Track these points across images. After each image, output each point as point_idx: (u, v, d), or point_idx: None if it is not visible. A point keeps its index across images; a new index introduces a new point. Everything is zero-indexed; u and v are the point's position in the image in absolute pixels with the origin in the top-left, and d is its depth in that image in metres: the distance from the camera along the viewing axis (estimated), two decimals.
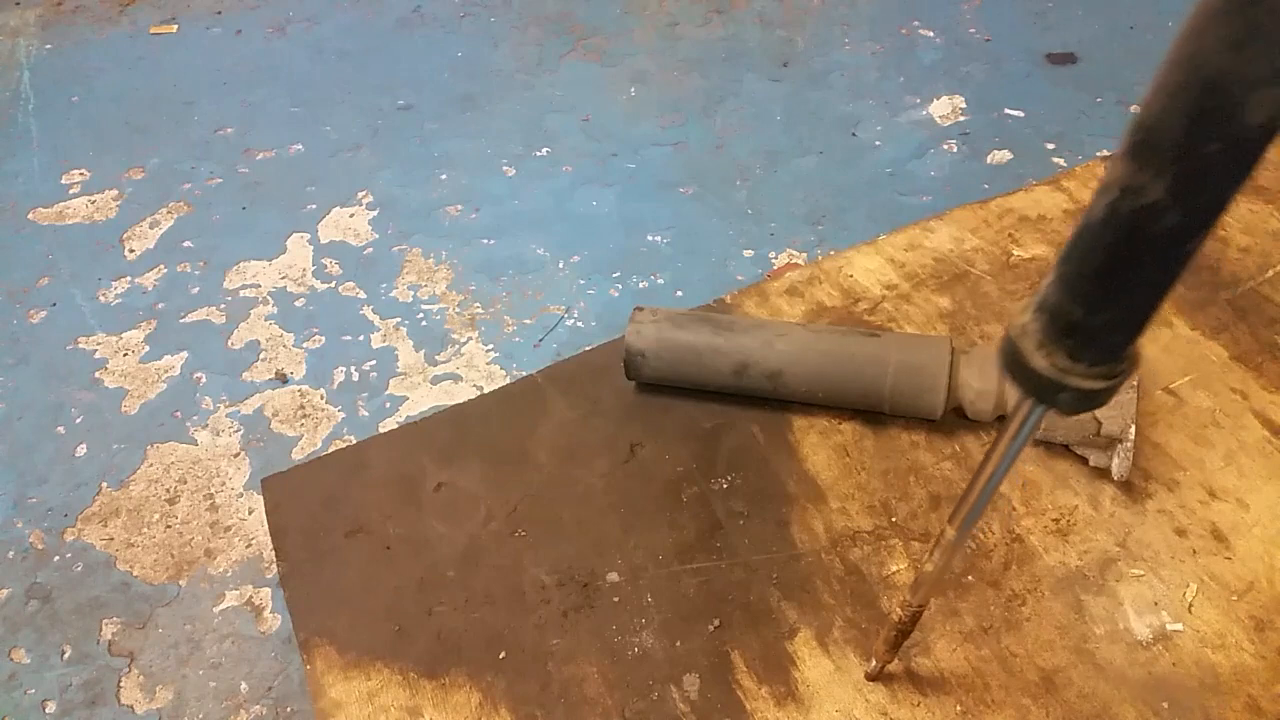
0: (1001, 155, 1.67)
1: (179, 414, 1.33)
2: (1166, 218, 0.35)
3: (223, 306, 1.48)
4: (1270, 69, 0.31)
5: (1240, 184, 0.35)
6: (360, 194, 1.68)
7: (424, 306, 1.47)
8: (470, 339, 1.41)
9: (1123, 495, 0.80)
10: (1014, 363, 0.43)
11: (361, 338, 1.42)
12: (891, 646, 0.66)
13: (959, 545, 0.56)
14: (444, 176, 1.71)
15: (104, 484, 1.24)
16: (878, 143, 1.73)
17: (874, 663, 0.70)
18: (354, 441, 1.06)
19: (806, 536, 0.80)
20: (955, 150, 1.69)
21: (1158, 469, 0.82)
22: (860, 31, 2.00)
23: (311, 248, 1.58)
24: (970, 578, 0.76)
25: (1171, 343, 0.92)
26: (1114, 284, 0.38)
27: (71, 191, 1.71)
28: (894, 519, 0.80)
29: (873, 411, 0.86)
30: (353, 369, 1.38)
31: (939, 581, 0.59)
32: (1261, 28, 0.30)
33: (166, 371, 1.39)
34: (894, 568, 0.77)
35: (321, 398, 1.34)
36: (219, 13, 2.17)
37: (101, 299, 1.50)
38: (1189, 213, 0.35)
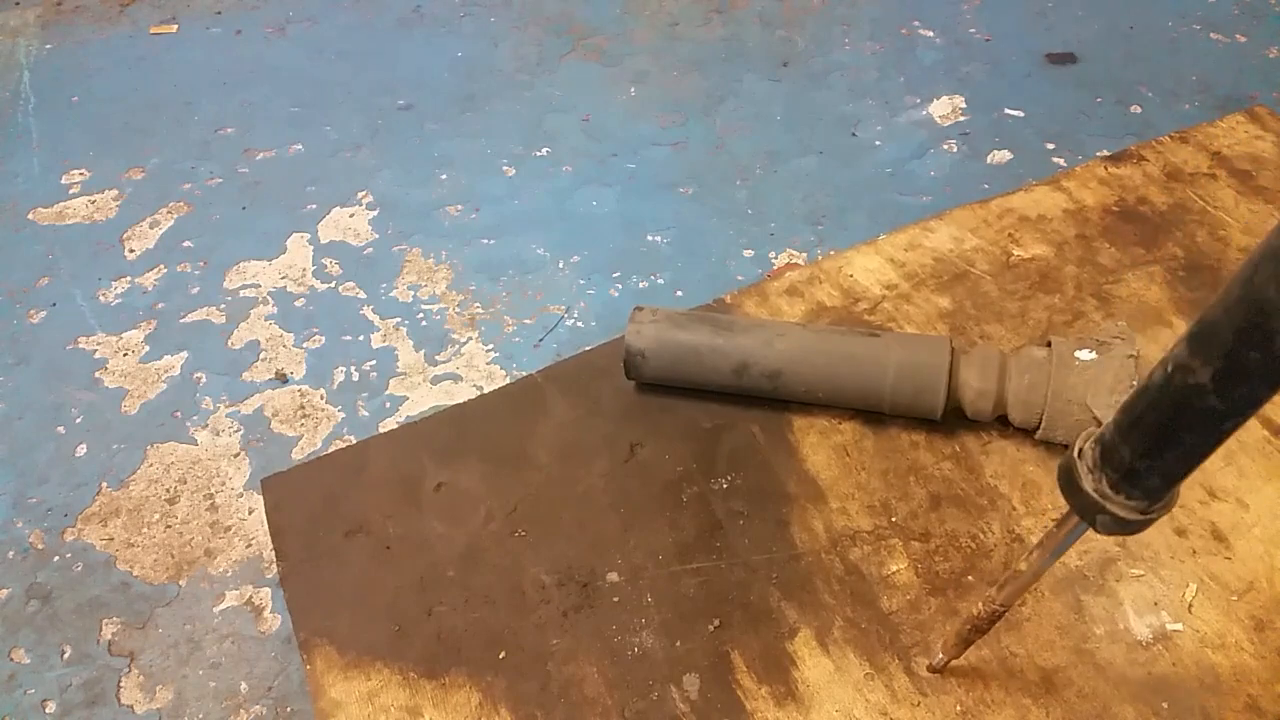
0: (1001, 155, 1.68)
1: (179, 414, 1.33)
2: (1208, 399, 0.42)
3: (223, 306, 1.48)
4: None
5: (1273, 390, 0.41)
6: (360, 194, 1.68)
7: (424, 306, 1.47)
8: (470, 339, 1.41)
9: None
10: (1068, 481, 0.50)
11: (361, 338, 1.42)
12: (963, 642, 0.66)
13: (1066, 540, 0.55)
14: (444, 176, 1.71)
15: (104, 484, 1.24)
16: (878, 143, 1.73)
17: (940, 656, 0.69)
18: (354, 441, 1.06)
19: (806, 536, 0.80)
20: (955, 150, 1.69)
21: None
22: (860, 31, 2.00)
23: (311, 248, 1.58)
24: (970, 577, 0.76)
25: (1171, 343, 0.91)
26: (1157, 439, 0.45)
27: (71, 191, 1.71)
28: (894, 519, 0.80)
29: (873, 411, 0.86)
30: (353, 369, 1.38)
31: (1030, 584, 0.59)
32: None
33: (166, 371, 1.39)
34: (894, 567, 0.77)
35: (321, 398, 1.34)
36: (219, 13, 2.17)
37: (101, 299, 1.50)
38: (1227, 401, 0.41)
